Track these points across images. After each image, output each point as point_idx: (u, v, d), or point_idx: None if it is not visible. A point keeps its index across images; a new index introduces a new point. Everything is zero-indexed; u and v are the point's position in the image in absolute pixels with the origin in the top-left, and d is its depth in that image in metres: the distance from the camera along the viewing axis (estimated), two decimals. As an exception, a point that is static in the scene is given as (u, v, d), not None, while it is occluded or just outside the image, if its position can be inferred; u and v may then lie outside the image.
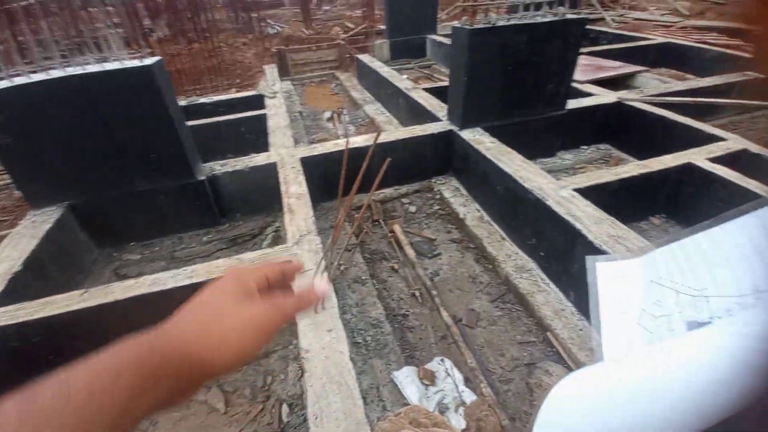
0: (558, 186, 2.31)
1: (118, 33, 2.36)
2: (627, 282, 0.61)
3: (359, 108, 5.34)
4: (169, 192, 2.72)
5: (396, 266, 2.59)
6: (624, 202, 2.51)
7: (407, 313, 2.27)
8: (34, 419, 0.28)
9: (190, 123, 3.73)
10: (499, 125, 3.19)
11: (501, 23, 2.80)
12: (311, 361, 1.42)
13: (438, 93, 4.13)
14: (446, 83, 4.37)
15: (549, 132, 3.45)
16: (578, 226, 1.98)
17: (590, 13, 8.60)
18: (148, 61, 2.37)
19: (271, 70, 5.39)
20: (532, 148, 3.42)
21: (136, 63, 2.34)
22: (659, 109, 3.37)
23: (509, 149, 2.79)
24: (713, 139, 2.83)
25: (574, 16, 2.97)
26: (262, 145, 3.97)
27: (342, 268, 2.49)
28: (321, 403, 1.28)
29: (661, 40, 5.92)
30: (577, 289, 2.05)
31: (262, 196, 2.99)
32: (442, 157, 3.30)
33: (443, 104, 3.71)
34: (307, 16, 12.16)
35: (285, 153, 2.97)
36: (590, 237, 1.90)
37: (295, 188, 2.51)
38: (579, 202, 2.17)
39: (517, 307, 2.23)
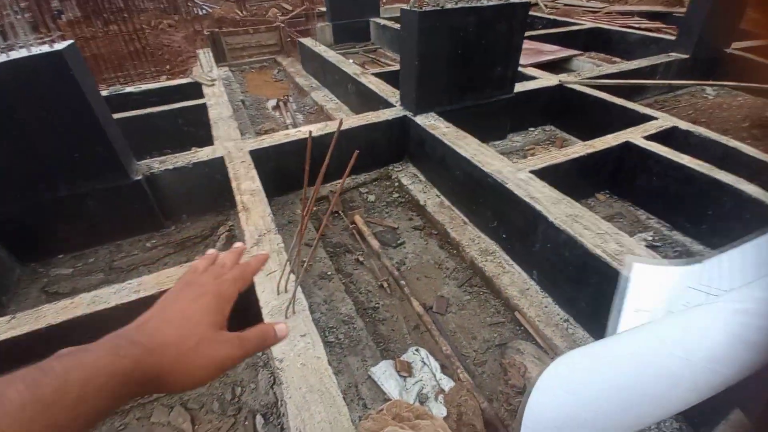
0: (515, 169, 2.37)
1: (24, 18, 2.01)
2: (662, 283, 0.61)
3: (306, 95, 5.12)
4: (100, 196, 2.42)
5: (361, 258, 2.53)
6: (573, 180, 2.64)
7: (377, 305, 2.23)
8: (33, 410, 0.31)
9: (116, 116, 3.34)
10: (451, 109, 3.20)
11: (449, 6, 2.77)
12: (287, 371, 1.33)
13: (388, 78, 4.06)
14: (396, 68, 4.31)
15: (499, 115, 3.53)
16: (538, 207, 2.04)
17: (524, -2, 8.94)
18: (59, 45, 2.04)
19: (205, 55, 4.97)
20: (485, 131, 3.48)
21: (45, 49, 2.01)
22: (596, 91, 3.57)
23: (465, 134, 2.81)
24: (646, 118, 3.05)
25: (519, 0, 3.02)
26: (205, 139, 3.67)
27: (306, 265, 2.39)
28: (303, 415, 1.20)
29: (590, 25, 6.28)
30: (539, 267, 2.12)
31: (210, 193, 2.76)
32: (398, 143, 3.26)
33: (395, 90, 3.65)
34: (240, -5, 11.38)
35: (232, 146, 2.76)
36: (550, 218, 1.96)
37: (247, 184, 2.34)
38: (536, 183, 2.24)
39: (485, 290, 2.28)
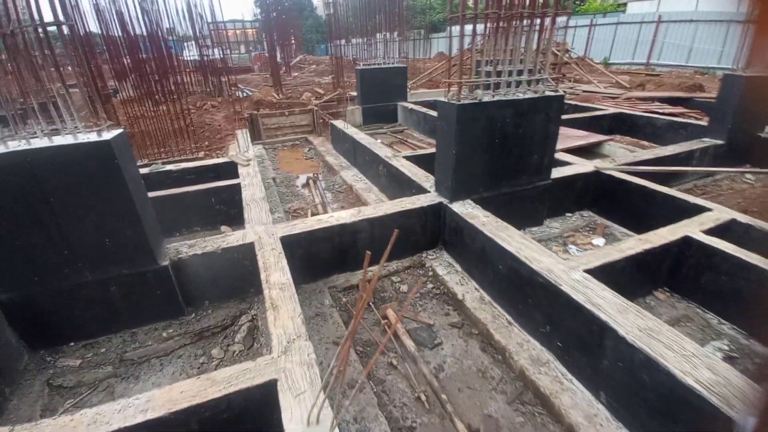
0: (568, 267, 2.13)
1: (70, 101, 2.05)
2: None
3: (335, 174, 5.18)
4: (124, 281, 2.29)
5: (394, 361, 2.24)
6: (630, 278, 2.38)
7: (414, 424, 1.89)
8: None
9: (152, 194, 3.36)
10: (488, 196, 3.09)
11: (486, 99, 2.78)
12: None
13: (419, 161, 4.05)
14: (427, 151, 4.33)
15: (536, 201, 3.38)
16: (603, 317, 1.77)
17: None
18: (108, 135, 2.06)
19: (242, 135, 5.19)
20: (522, 217, 3.33)
21: (92, 137, 2.03)
22: (635, 178, 3.42)
23: (506, 224, 2.64)
24: (698, 209, 2.84)
25: (554, 93, 3.03)
26: (235, 218, 3.63)
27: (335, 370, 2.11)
28: None
29: (613, 110, 6.38)
30: (609, 388, 1.79)
31: (236, 279, 2.61)
32: (432, 230, 3.11)
33: (428, 174, 3.60)
34: (277, 81, 12.41)
35: (263, 231, 2.66)
36: (621, 331, 1.68)
37: (277, 276, 2.17)
38: (594, 285, 1.99)
39: (540, 410, 1.93)
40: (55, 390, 2.21)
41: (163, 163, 4.55)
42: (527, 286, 2.23)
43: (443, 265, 2.98)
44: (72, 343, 2.40)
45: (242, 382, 1.51)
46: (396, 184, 3.90)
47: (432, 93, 8.37)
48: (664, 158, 4.02)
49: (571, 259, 2.27)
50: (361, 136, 5.04)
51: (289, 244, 2.59)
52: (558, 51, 9.79)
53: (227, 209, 3.62)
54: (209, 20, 9.25)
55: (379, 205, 3.00)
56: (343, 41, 8.76)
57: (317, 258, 2.76)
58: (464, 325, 2.54)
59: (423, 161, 4.09)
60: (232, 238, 2.59)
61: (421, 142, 6.24)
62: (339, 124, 5.87)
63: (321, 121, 7.09)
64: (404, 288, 2.87)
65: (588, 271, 2.11)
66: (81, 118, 2.15)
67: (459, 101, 2.70)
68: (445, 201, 3.03)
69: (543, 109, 3.01)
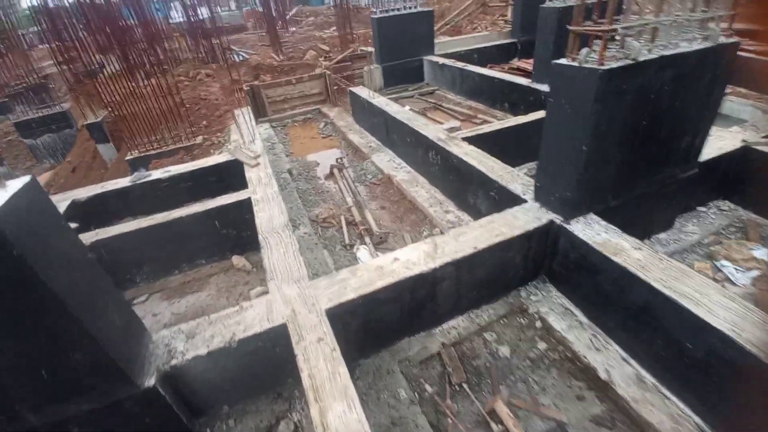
0: None
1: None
2: None
3: (365, 158, 4.10)
4: (90, 419, 1.39)
5: None
6: None
7: None
8: None
9: (135, 225, 2.40)
10: (616, 205, 2.05)
11: (643, 57, 1.65)
12: None
13: (483, 142, 2.95)
14: (492, 127, 3.21)
15: (672, 199, 2.33)
16: None
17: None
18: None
19: (245, 116, 4.07)
20: (648, 222, 2.31)
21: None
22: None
23: (685, 267, 1.62)
24: None
25: (728, 40, 1.87)
26: (249, 242, 2.68)
27: None
28: None
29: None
30: None
31: (264, 373, 1.70)
32: (534, 258, 2.12)
33: (507, 166, 2.54)
34: (275, 39, 10.85)
35: (296, 298, 1.69)
36: None
37: (323, 372, 1.24)
38: None
39: None
40: None
41: (151, 164, 3.54)
42: (728, 369, 1.28)
43: (556, 312, 2.02)
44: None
45: None
46: (459, 179, 2.84)
47: (458, 42, 6.93)
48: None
49: None
50: (395, 109, 3.89)
51: (340, 316, 1.64)
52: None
53: (238, 233, 2.65)
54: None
55: (461, 233, 1.98)
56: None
57: (380, 323, 1.82)
58: (613, 418, 1.63)
59: (488, 142, 3.00)
60: (249, 316, 1.63)
61: (461, 107, 5.03)
62: (361, 92, 4.67)
63: (335, 87, 5.85)
64: (505, 351, 1.94)
65: None
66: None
67: (602, 65, 1.58)
68: (557, 219, 2.00)
69: (711, 67, 1.87)
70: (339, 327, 1.60)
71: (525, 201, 2.18)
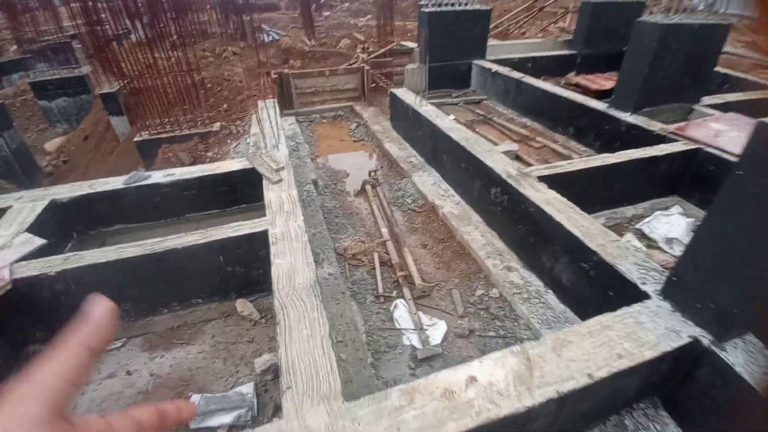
0: None
1: None
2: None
3: (404, 176, 3.46)
4: None
5: None
6: None
7: None
8: None
9: (111, 256, 1.83)
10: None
11: None
12: None
13: (563, 185, 2.29)
14: (574, 167, 2.55)
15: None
16: None
17: None
18: None
19: (269, 111, 3.44)
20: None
21: None
22: None
23: None
24: None
25: None
26: (259, 282, 2.09)
27: None
28: None
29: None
30: None
31: None
32: (654, 382, 1.48)
33: (611, 233, 1.89)
34: (309, 23, 10.17)
35: (324, 432, 1.09)
36: None
37: None
38: None
39: None
40: None
41: (147, 172, 2.99)
42: None
43: (685, 468, 1.38)
44: None
45: None
46: (532, 231, 2.20)
47: (509, 47, 6.19)
48: None
49: None
50: (447, 124, 3.23)
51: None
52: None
53: (246, 271, 2.05)
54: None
55: (563, 343, 1.34)
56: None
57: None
58: None
59: (565, 182, 2.34)
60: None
61: (514, 124, 4.35)
62: (405, 96, 4.01)
63: (373, 84, 5.19)
64: None
65: None
66: None
67: None
68: (703, 337, 1.35)
69: None
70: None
71: (647, 296, 1.53)
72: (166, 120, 4.94)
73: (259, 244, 1.96)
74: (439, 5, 5.08)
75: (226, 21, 10.51)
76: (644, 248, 2.55)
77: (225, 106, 5.67)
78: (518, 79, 4.53)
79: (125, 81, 4.99)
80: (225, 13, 10.46)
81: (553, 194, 2.19)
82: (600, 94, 4.90)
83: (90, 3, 5.00)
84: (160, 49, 5.24)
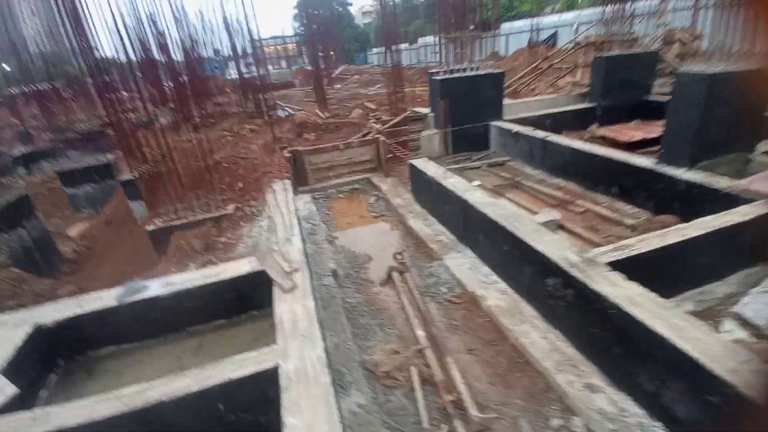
0: None
1: None
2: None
3: (434, 258, 3.04)
4: None
5: None
6: None
7: None
8: None
9: (82, 416, 1.40)
10: None
11: None
12: None
13: (639, 269, 1.82)
14: (648, 247, 2.08)
15: None
16: None
17: None
18: None
19: (285, 194, 3.16)
20: None
21: None
22: None
23: None
24: None
25: None
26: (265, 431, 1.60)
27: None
28: None
29: None
30: None
31: None
32: None
33: (738, 349, 1.38)
34: (322, 96, 10.54)
35: None
36: None
37: None
38: None
39: None
40: None
41: (144, 282, 2.69)
42: None
43: None
44: None
45: None
46: (616, 341, 1.70)
47: (524, 105, 6.03)
48: None
49: None
50: (480, 199, 2.86)
51: None
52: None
53: (254, 419, 1.59)
54: (250, 38, 7.56)
55: None
56: (405, 45, 6.64)
57: None
58: None
59: (639, 264, 1.87)
60: None
61: (545, 185, 3.97)
62: (427, 167, 3.73)
63: (390, 155, 5.00)
64: None
65: None
66: None
67: None
68: None
69: None
70: None
71: None
72: (180, 206, 4.80)
73: (267, 383, 1.53)
74: (451, 72, 5.01)
75: (245, 101, 11.03)
76: (754, 341, 1.99)
77: (240, 184, 5.56)
78: (543, 139, 4.24)
79: (144, 167, 4.96)
80: (244, 93, 11.01)
81: (636, 289, 1.71)
82: (630, 146, 4.56)
83: (121, 94, 5.15)
84: (182, 131, 5.28)
